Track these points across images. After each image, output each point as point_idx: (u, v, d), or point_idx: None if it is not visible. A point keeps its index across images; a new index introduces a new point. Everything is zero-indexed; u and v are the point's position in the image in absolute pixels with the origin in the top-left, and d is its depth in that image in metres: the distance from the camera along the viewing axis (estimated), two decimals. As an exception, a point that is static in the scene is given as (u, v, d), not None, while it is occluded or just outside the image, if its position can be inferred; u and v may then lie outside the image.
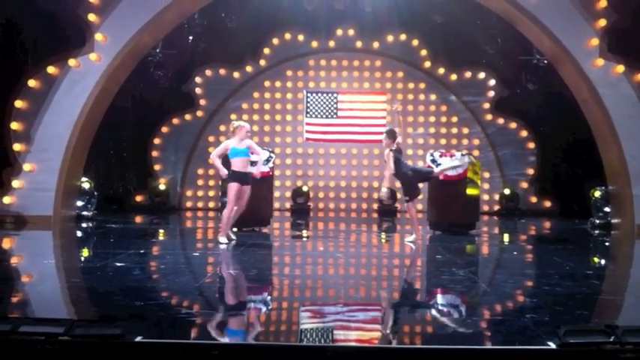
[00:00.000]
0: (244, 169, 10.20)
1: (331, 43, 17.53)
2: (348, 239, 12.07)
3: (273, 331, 5.54)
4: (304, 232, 13.52)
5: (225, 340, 5.06)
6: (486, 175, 17.00)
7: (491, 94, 17.38)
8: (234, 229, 10.93)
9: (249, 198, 10.48)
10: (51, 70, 13.14)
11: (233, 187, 10.14)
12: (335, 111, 16.02)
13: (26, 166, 13.04)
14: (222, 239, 10.16)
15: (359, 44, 17.51)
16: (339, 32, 17.39)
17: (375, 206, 17.39)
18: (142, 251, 9.75)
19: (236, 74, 17.47)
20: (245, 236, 11.11)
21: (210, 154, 10.76)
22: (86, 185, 14.36)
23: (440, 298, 6.89)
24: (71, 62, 13.11)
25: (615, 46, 13.16)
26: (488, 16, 15.01)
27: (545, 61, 15.23)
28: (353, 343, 5.07)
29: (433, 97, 17.54)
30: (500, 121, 17.42)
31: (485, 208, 17.03)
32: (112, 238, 11.82)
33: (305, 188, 17.21)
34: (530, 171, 17.37)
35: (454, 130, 17.52)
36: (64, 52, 13.25)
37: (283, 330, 5.56)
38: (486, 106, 17.43)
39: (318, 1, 15.08)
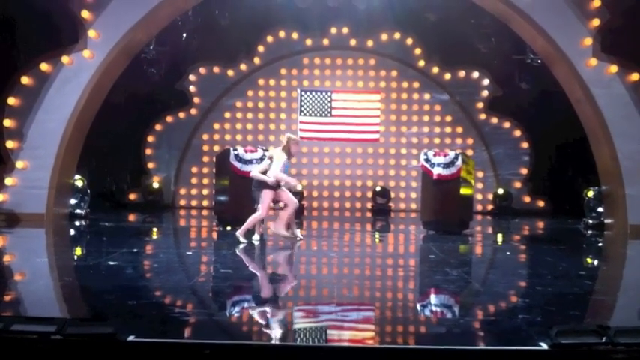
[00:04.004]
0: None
1: (325, 42, 17.51)
2: (342, 238, 12.08)
3: (267, 330, 5.53)
4: (298, 231, 13.51)
5: (218, 339, 5.05)
6: (480, 174, 17.01)
7: (485, 93, 17.40)
8: (228, 228, 10.91)
9: (244, 197, 10.55)
10: (44, 67, 13.08)
11: (269, 194, 10.20)
12: (329, 109, 16.03)
13: (19, 164, 12.99)
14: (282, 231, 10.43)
15: (353, 43, 17.50)
16: (333, 30, 17.38)
17: (369, 205, 17.40)
18: (135, 250, 9.73)
19: (230, 72, 17.43)
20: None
21: (277, 175, 10.11)
22: (79, 183, 14.30)
23: (433, 298, 6.90)
24: (64, 59, 13.06)
25: (608, 45, 13.18)
26: (482, 15, 15.01)
27: (539, 61, 15.23)
28: (346, 343, 5.08)
29: (427, 96, 17.54)
30: (494, 120, 17.44)
31: (479, 207, 17.05)
32: (105, 236, 11.79)
33: (299, 187, 17.18)
34: (524, 171, 17.39)
35: (448, 130, 17.52)
36: (57, 49, 13.20)
37: (276, 329, 5.56)
38: (480, 105, 17.45)
39: (312, -1, 15.10)
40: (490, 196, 17.32)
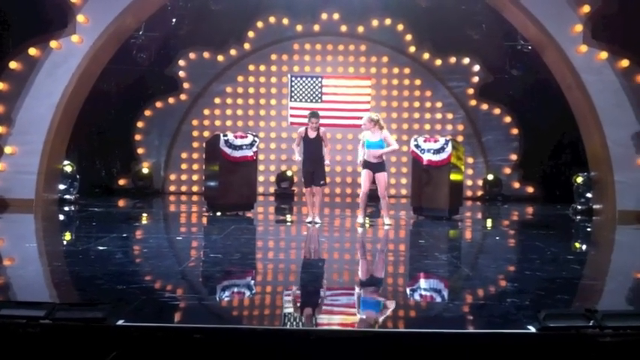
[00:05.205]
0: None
1: (316, 27, 17.45)
2: (332, 224, 12.09)
3: (257, 315, 5.54)
4: (288, 217, 13.53)
5: (208, 323, 5.05)
6: (470, 160, 17.04)
7: (476, 79, 17.40)
8: (218, 214, 10.91)
9: (235, 182, 10.57)
10: (32, 51, 12.98)
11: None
12: (319, 95, 15.98)
13: (8, 149, 12.92)
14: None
15: (344, 28, 17.45)
16: (324, 16, 17.31)
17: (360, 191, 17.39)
18: (124, 235, 9.71)
19: (220, 58, 17.36)
20: (229, 220, 11.10)
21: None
22: (69, 168, 14.25)
23: (423, 283, 6.92)
24: (53, 44, 12.96)
25: (599, 32, 13.19)
26: (473, 1, 14.99)
27: (530, 47, 15.25)
28: (336, 327, 5.09)
29: (418, 82, 17.53)
30: (485, 106, 17.46)
31: (469, 193, 17.10)
32: (94, 221, 11.76)
33: (289, 173, 17.18)
34: (514, 157, 17.44)
35: (438, 116, 17.54)
36: (46, 34, 13.09)
37: (267, 314, 5.57)
38: (471, 91, 17.46)
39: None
40: (480, 182, 17.38)
